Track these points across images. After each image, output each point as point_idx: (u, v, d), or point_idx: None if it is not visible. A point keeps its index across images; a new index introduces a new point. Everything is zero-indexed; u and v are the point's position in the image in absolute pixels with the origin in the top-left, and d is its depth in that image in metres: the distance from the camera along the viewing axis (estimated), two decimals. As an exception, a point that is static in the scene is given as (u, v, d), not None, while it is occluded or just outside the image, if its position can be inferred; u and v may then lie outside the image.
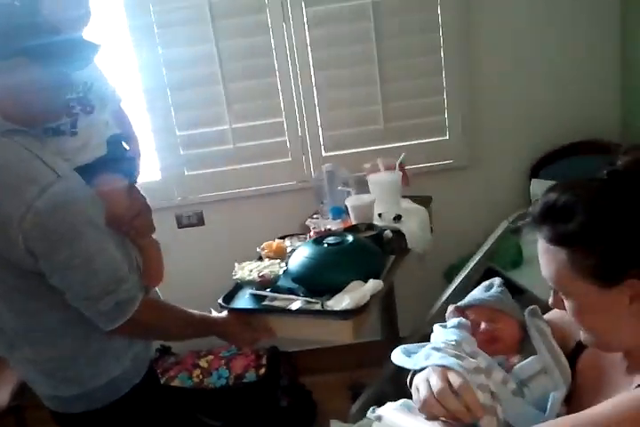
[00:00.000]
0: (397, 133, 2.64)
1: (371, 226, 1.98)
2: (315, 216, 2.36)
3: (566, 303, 0.97)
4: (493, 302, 1.21)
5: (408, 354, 1.14)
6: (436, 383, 0.97)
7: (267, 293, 1.68)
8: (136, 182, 1.52)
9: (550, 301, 1.02)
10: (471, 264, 1.61)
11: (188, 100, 2.62)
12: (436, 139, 2.66)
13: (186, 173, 2.69)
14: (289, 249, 1.98)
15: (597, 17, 2.57)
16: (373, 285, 1.63)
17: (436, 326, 1.19)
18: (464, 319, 1.16)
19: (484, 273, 1.61)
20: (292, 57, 2.59)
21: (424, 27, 2.56)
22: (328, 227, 2.01)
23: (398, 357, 1.14)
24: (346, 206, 2.17)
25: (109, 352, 1.38)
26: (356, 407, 1.62)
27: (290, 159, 2.69)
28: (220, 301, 1.69)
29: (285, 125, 2.66)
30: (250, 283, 1.71)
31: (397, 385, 1.20)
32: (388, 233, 1.95)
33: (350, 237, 1.78)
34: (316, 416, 2.52)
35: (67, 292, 1.27)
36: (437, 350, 1.06)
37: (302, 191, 2.68)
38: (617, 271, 0.91)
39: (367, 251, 1.79)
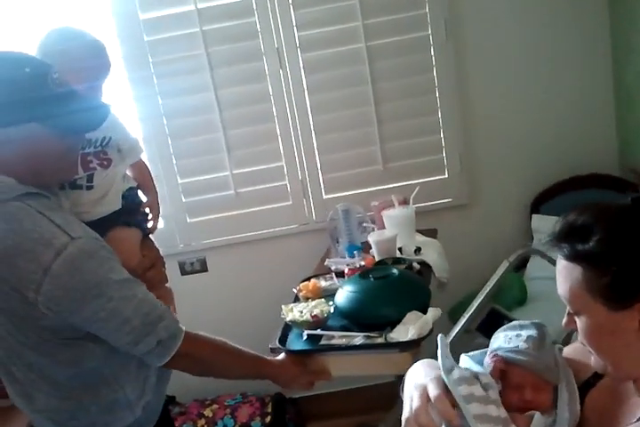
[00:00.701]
0: (396, 173, 2.65)
1: (397, 260, 2.04)
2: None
3: (578, 323, 0.98)
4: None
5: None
6: (415, 401, 1.00)
7: (325, 332, 1.70)
8: (150, 234, 1.58)
9: (564, 321, 1.03)
10: (474, 305, 1.59)
11: (189, 148, 2.67)
12: (435, 178, 2.66)
13: (188, 220, 2.71)
14: (326, 288, 2.00)
15: (590, 55, 2.59)
16: (433, 313, 1.67)
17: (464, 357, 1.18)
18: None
19: (488, 314, 1.58)
20: (290, 102, 2.63)
21: (418, 68, 2.59)
22: (358, 264, 2.03)
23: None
24: (362, 244, 2.23)
25: (122, 401, 1.38)
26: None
27: (291, 203, 2.71)
28: (276, 343, 1.70)
29: (285, 170, 2.68)
30: (303, 324, 1.72)
31: None
32: (415, 265, 2.03)
33: (395, 270, 1.83)
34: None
35: (107, 340, 1.30)
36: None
37: (304, 234, 2.69)
38: (628, 294, 0.92)
39: (415, 282, 1.86)
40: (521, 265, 2.46)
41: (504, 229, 2.67)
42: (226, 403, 2.46)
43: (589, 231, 0.94)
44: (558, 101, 2.61)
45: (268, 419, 2.36)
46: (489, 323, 1.60)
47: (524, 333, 1.16)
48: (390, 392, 1.78)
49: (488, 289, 1.63)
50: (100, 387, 1.36)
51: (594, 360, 1.02)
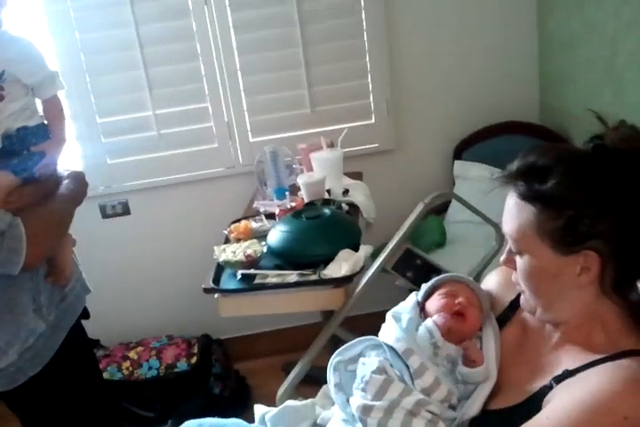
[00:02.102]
0: (324, 117, 2.64)
1: (327, 201, 2.06)
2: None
3: (518, 262, 0.99)
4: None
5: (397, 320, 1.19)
6: None
7: (259, 271, 1.71)
8: (35, 179, 1.40)
9: (502, 258, 1.04)
10: (390, 246, 1.63)
11: (108, 86, 2.55)
12: (363, 122, 2.67)
13: (108, 162, 2.62)
14: (256, 229, 2.01)
15: (515, 2, 2.62)
16: (365, 250, 1.74)
17: (390, 321, 1.20)
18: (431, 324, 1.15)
19: (403, 254, 1.63)
20: (215, 40, 2.55)
21: (347, 11, 2.55)
22: (289, 206, 2.05)
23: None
24: (290, 187, 2.25)
25: None
26: (282, 390, 1.63)
27: (216, 145, 2.66)
28: (210, 283, 1.70)
29: (210, 111, 2.62)
30: (236, 264, 1.72)
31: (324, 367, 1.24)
32: (344, 206, 2.07)
33: (327, 210, 1.87)
34: (250, 401, 2.52)
35: None
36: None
37: (230, 177, 2.66)
38: (577, 239, 0.92)
39: (346, 221, 1.91)
40: (442, 209, 2.54)
41: (428, 174, 2.73)
42: (151, 345, 2.45)
43: (548, 173, 0.94)
44: (484, 49, 2.64)
45: (194, 360, 2.38)
46: (404, 263, 1.65)
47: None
48: (316, 332, 1.84)
49: (404, 230, 1.67)
50: None
51: (523, 300, 1.04)
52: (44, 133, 1.44)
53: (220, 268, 1.79)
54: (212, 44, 2.55)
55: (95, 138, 2.58)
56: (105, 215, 2.66)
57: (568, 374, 0.94)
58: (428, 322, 1.15)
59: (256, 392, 2.57)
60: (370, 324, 1.41)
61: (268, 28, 2.55)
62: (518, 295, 1.11)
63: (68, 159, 2.55)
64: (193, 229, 2.67)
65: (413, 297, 1.27)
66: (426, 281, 1.64)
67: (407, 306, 1.24)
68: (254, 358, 2.68)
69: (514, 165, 0.98)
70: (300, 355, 2.62)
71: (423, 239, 2.28)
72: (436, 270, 1.60)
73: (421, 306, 1.23)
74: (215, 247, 1.81)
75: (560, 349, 1.02)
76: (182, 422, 2.29)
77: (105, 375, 2.33)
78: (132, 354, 2.41)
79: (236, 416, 2.37)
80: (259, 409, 1.39)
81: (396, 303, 1.87)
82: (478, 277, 1.71)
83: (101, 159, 2.60)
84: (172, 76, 2.56)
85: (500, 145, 2.59)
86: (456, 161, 2.64)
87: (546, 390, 0.95)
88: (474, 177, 2.53)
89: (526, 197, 0.95)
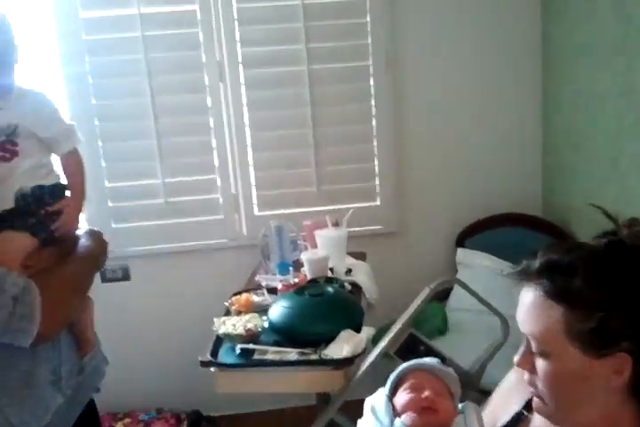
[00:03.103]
0: (329, 196, 2.69)
1: (329, 279, 2.06)
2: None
3: (540, 365, 0.93)
4: (437, 369, 1.21)
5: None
6: None
7: (259, 346, 1.68)
8: (54, 241, 1.35)
9: (516, 359, 0.97)
10: (394, 330, 1.62)
11: (120, 152, 2.61)
12: (367, 204, 2.72)
13: (113, 226, 2.63)
14: (258, 303, 1.98)
15: (522, 97, 2.74)
16: (367, 332, 1.71)
17: (368, 415, 1.17)
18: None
19: (407, 339, 1.62)
20: (228, 116, 2.62)
21: (358, 95, 2.66)
22: (292, 281, 2.05)
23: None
24: (293, 262, 2.24)
25: (2, 425, 1.23)
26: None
27: (222, 217, 2.68)
28: (207, 356, 1.66)
29: (219, 182, 2.66)
30: (236, 337, 1.69)
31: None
32: (347, 285, 2.07)
33: (330, 288, 1.86)
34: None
35: None
36: None
37: (234, 249, 2.67)
38: (609, 341, 0.88)
39: (349, 301, 1.90)
40: (444, 296, 2.54)
41: (430, 258, 2.76)
42: (140, 418, 2.38)
43: (573, 272, 0.90)
44: (490, 141, 2.74)
45: (183, 437, 2.30)
46: (407, 348, 1.64)
47: None
48: (309, 415, 1.80)
49: (408, 315, 1.67)
50: None
51: (539, 404, 0.98)
52: (61, 193, 1.40)
53: (218, 340, 1.76)
54: (224, 120, 2.62)
55: (102, 201, 2.60)
56: (104, 279, 2.62)
57: None
58: (397, 424, 1.12)
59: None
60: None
61: (280, 107, 2.64)
62: (528, 401, 1.07)
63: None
64: (192, 298, 2.65)
65: (382, 392, 1.23)
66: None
67: (381, 401, 1.20)
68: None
69: (535, 263, 0.95)
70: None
71: (425, 325, 2.26)
72: (440, 358, 1.59)
73: (391, 400, 1.20)
74: (215, 319, 1.79)
75: None
76: None
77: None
78: (120, 426, 2.33)
79: None
80: None
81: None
82: (483, 369, 1.70)
83: (106, 223, 2.61)
84: (183, 147, 2.62)
85: (502, 236, 2.63)
86: (459, 248, 2.67)
87: None
88: (476, 265, 2.55)
89: (553, 295, 0.91)
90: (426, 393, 1.14)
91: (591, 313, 0.88)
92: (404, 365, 1.23)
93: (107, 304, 2.64)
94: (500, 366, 1.90)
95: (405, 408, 1.14)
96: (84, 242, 1.42)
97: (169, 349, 2.65)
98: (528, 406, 1.09)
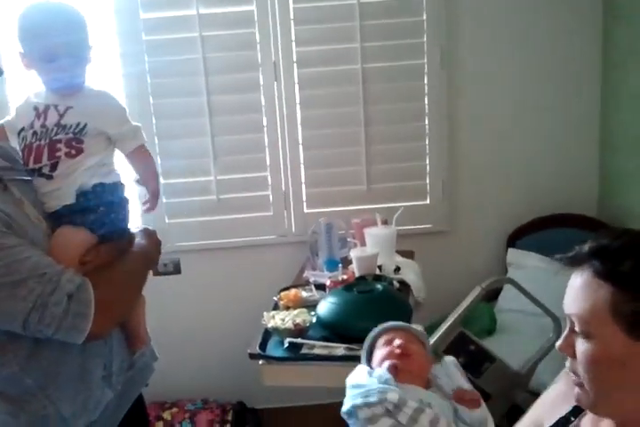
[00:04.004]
0: (379, 195, 2.69)
1: (378, 277, 2.06)
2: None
3: (580, 347, 0.92)
4: (407, 327, 1.36)
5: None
6: None
7: (307, 341, 1.71)
8: (111, 238, 1.35)
9: (559, 343, 0.96)
10: (443, 328, 1.62)
11: (175, 150, 2.66)
12: (417, 203, 2.71)
13: (167, 221, 2.69)
14: (306, 298, 2.01)
15: (578, 96, 2.68)
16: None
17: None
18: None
19: (456, 337, 1.61)
20: (281, 114, 2.65)
21: (411, 94, 2.65)
22: (340, 278, 2.06)
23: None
24: (341, 259, 2.25)
25: (54, 419, 1.24)
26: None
27: (271, 213, 2.72)
28: (256, 349, 1.69)
29: (269, 180, 2.70)
30: (285, 332, 1.73)
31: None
32: (395, 283, 2.07)
33: (379, 286, 1.88)
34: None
35: (5, 320, 1.14)
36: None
37: (282, 246, 2.70)
38: None
39: (398, 298, 1.92)
40: (492, 297, 2.51)
41: (479, 258, 2.73)
42: (186, 408, 2.43)
43: (624, 255, 0.91)
44: (545, 140, 2.69)
45: (227, 428, 2.34)
46: (457, 347, 1.63)
47: None
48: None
49: (459, 313, 1.65)
50: (22, 400, 1.21)
51: (580, 393, 0.96)
52: (121, 192, 1.41)
53: (267, 334, 1.79)
54: (277, 118, 2.65)
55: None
56: (156, 272, 2.70)
57: None
58: (381, 373, 1.24)
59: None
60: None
61: (333, 106, 2.65)
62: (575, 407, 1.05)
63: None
64: (241, 292, 2.69)
65: (361, 366, 1.35)
66: (479, 368, 1.63)
67: (363, 372, 1.31)
68: (290, 429, 2.62)
69: (585, 247, 0.95)
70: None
71: (473, 325, 2.23)
72: (490, 358, 1.58)
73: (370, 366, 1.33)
74: (265, 313, 1.82)
75: None
76: None
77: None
78: (167, 415, 2.38)
79: None
80: None
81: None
82: (532, 370, 1.67)
83: (160, 218, 2.67)
84: (236, 145, 2.67)
85: (555, 237, 2.58)
86: (510, 249, 2.64)
87: None
88: (527, 266, 2.51)
89: (603, 275, 0.90)
90: (397, 342, 1.28)
91: (639, 294, 0.88)
92: (372, 332, 1.38)
93: (158, 297, 2.70)
94: (550, 368, 1.88)
95: (383, 359, 1.28)
96: (139, 240, 1.44)
97: (216, 341, 2.70)
98: (575, 412, 1.07)
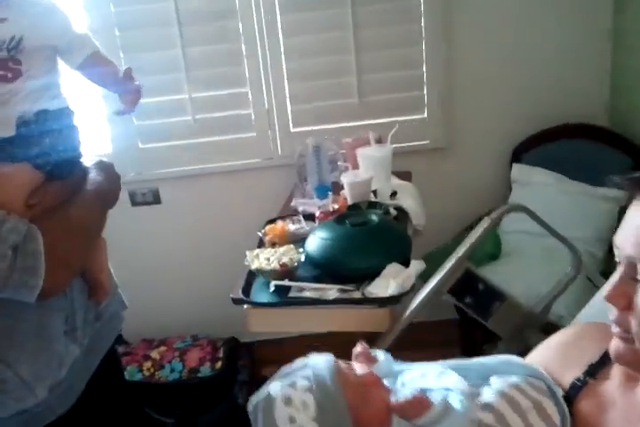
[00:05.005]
0: (372, 109, 2.44)
1: (372, 204, 1.88)
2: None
3: None
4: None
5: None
6: None
7: (295, 283, 1.55)
8: (61, 175, 1.18)
9: (609, 291, 0.79)
10: (448, 266, 1.44)
11: (143, 65, 2.36)
12: (414, 117, 2.46)
13: (140, 146, 2.46)
14: (294, 232, 1.83)
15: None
16: (417, 267, 1.54)
17: None
18: None
19: (463, 276, 1.44)
20: (259, 20, 2.35)
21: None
22: (331, 208, 1.88)
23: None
24: (332, 184, 2.06)
25: (13, 382, 1.12)
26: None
27: (255, 134, 2.48)
28: (239, 293, 1.54)
29: (250, 97, 2.44)
30: (270, 273, 1.56)
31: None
32: (392, 211, 1.89)
33: (374, 217, 1.69)
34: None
35: None
36: None
37: (268, 169, 2.50)
38: None
39: (396, 230, 1.72)
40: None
41: (483, 177, 2.53)
42: (175, 346, 2.32)
43: None
44: (550, 45, 2.40)
45: (219, 365, 2.23)
46: (463, 286, 1.47)
47: None
48: (354, 341, 1.68)
49: (464, 248, 1.48)
50: None
51: (624, 349, 0.80)
52: (69, 119, 1.22)
53: (251, 274, 1.62)
54: (255, 24, 2.36)
55: (127, 119, 2.41)
56: (134, 203, 2.52)
57: None
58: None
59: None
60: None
61: (317, 8, 2.35)
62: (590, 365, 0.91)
63: (96, 142, 2.42)
64: (226, 222, 2.52)
65: None
66: (488, 309, 1.47)
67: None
68: (285, 364, 2.51)
69: None
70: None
71: (476, 250, 2.07)
72: (500, 296, 1.42)
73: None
74: (248, 252, 1.64)
75: None
76: (201, 432, 2.20)
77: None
78: (155, 354, 2.27)
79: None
80: None
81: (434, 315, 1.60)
82: (548, 309, 1.51)
83: (133, 143, 2.44)
84: (211, 57, 2.39)
85: (564, 149, 2.37)
86: (515, 164, 2.42)
87: None
88: (535, 183, 2.32)
89: None
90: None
91: None
92: None
93: (138, 229, 2.56)
94: (564, 299, 1.73)
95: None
96: (93, 176, 1.24)
97: (202, 275, 2.55)
98: (591, 372, 0.92)
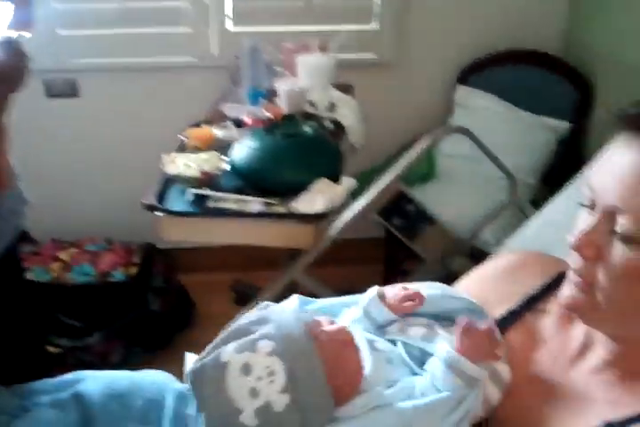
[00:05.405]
0: (318, 13, 2.26)
1: (309, 115, 1.77)
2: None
3: (625, 253, 0.67)
4: None
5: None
6: None
7: (215, 193, 1.44)
8: None
9: (579, 239, 0.70)
10: (380, 185, 1.37)
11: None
12: (361, 27, 2.30)
13: (58, 32, 2.21)
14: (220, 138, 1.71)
15: None
16: (348, 184, 1.46)
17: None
18: None
19: (394, 198, 1.38)
20: None
21: None
22: (262, 115, 1.75)
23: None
24: (267, 91, 1.92)
25: None
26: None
27: (189, 30, 2.27)
28: (152, 200, 1.43)
29: (185, -15, 2.22)
30: (189, 180, 1.44)
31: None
32: (328, 124, 1.78)
33: (308, 128, 1.58)
34: (193, 319, 2.33)
35: None
36: None
37: (200, 70, 2.31)
38: None
39: (329, 145, 1.62)
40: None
41: (427, 96, 2.42)
42: (86, 248, 2.19)
43: None
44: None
45: (134, 270, 2.14)
46: (394, 207, 1.41)
47: None
48: (272, 251, 1.61)
49: (399, 169, 1.41)
50: None
51: (582, 300, 0.72)
52: None
53: (167, 181, 1.51)
54: None
55: (44, 1, 2.16)
56: (50, 94, 2.30)
57: None
58: None
59: (200, 310, 2.36)
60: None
61: None
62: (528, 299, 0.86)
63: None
64: (148, 122, 2.34)
65: None
66: (415, 231, 1.43)
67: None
68: (201, 271, 2.45)
69: None
70: (252, 274, 2.43)
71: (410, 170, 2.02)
72: (429, 220, 1.37)
73: None
74: (163, 156, 1.51)
75: (597, 376, 0.75)
76: (111, 337, 2.13)
77: (30, 276, 2.07)
78: (64, 255, 2.15)
79: (178, 333, 2.21)
80: (191, 360, 1.15)
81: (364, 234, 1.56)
82: (477, 235, 1.48)
83: (50, 28, 2.19)
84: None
85: (511, 75, 2.29)
86: (460, 86, 2.33)
87: None
88: (477, 107, 2.24)
89: None
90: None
91: None
92: None
93: (52, 122, 2.36)
94: (492, 226, 1.71)
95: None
96: None
97: (121, 175, 2.39)
98: (528, 306, 0.86)
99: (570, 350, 0.79)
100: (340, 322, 0.78)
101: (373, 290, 0.80)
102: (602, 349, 0.76)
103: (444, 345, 0.72)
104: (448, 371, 0.70)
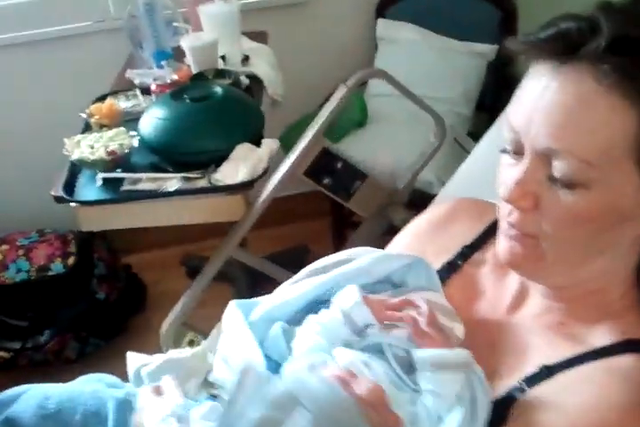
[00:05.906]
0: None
1: (220, 72, 1.65)
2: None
3: (566, 198, 0.62)
4: None
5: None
6: None
7: (128, 174, 1.33)
8: None
9: (512, 191, 0.63)
10: (302, 144, 1.27)
11: None
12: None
13: None
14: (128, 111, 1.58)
15: None
16: (269, 147, 1.36)
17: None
18: None
19: (320, 156, 1.28)
20: None
21: None
22: (169, 79, 1.61)
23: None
24: (173, 50, 1.79)
25: None
26: (167, 325, 1.33)
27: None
28: (59, 191, 1.31)
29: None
30: (96, 164, 1.32)
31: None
32: (244, 79, 1.67)
33: (218, 88, 1.45)
34: (146, 302, 2.25)
35: None
36: None
37: (99, 35, 2.10)
38: None
39: (245, 104, 1.50)
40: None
41: (346, 35, 2.28)
42: (18, 243, 2.06)
43: None
44: None
45: (72, 260, 2.02)
46: (321, 166, 1.32)
47: None
48: (220, 227, 1.53)
49: (319, 122, 1.30)
50: None
51: (521, 253, 0.67)
52: None
53: (75, 167, 1.39)
54: None
55: None
56: None
57: (546, 372, 0.66)
58: None
59: (152, 290, 2.28)
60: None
61: None
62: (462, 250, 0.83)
63: None
64: (44, 103, 2.14)
65: None
66: (348, 189, 1.34)
67: None
68: (147, 250, 2.35)
69: (602, 29, 0.58)
70: (200, 245, 2.32)
71: (340, 119, 1.90)
72: (360, 175, 1.28)
73: None
74: (66, 140, 1.38)
75: (537, 322, 0.72)
76: (62, 332, 2.03)
77: (-38, 281, 1.96)
78: (-5, 255, 2.03)
79: (132, 317, 2.13)
80: (133, 361, 1.08)
81: (306, 188, 1.48)
82: (412, 183, 1.40)
83: None
84: None
85: (430, 2, 2.17)
86: (379, 19, 2.20)
87: (515, 394, 0.66)
88: (401, 40, 2.13)
89: (629, 91, 0.57)
90: None
91: None
92: None
93: None
94: (432, 165, 1.64)
95: None
96: None
97: (36, 160, 2.19)
98: (463, 256, 0.84)
99: (508, 297, 0.77)
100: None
101: (355, 293, 0.72)
102: (539, 295, 0.74)
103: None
104: (437, 371, 0.66)
